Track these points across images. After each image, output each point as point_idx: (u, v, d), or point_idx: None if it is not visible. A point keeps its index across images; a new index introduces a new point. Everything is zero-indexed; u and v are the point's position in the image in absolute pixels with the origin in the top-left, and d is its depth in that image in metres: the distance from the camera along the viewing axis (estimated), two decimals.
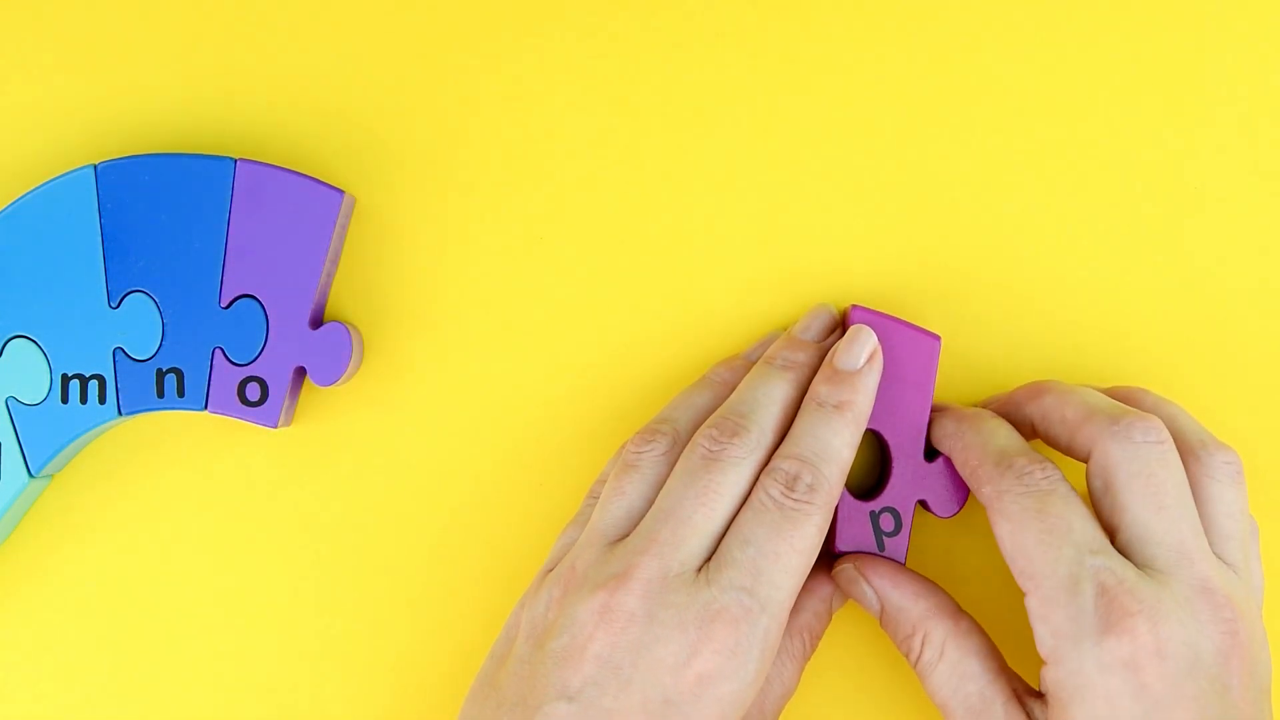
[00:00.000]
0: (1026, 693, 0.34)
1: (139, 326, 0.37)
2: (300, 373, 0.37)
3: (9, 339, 0.37)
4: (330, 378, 0.37)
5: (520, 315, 0.39)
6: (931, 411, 0.37)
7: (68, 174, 0.37)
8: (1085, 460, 0.34)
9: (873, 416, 0.36)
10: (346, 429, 0.39)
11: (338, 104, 0.39)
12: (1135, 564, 0.33)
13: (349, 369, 0.37)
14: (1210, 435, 0.35)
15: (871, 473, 0.38)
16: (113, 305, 0.37)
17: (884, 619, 0.36)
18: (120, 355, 0.37)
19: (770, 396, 0.35)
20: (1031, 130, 0.39)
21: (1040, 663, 0.33)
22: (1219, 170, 0.39)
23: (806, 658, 0.36)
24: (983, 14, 0.39)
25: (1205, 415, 0.38)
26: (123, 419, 0.38)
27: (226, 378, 0.37)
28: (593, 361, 0.39)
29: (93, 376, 0.37)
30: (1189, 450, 0.34)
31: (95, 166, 0.37)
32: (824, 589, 0.37)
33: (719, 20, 0.39)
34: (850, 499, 0.37)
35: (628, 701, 0.31)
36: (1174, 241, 0.39)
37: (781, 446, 0.34)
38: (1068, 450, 0.35)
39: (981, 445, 0.35)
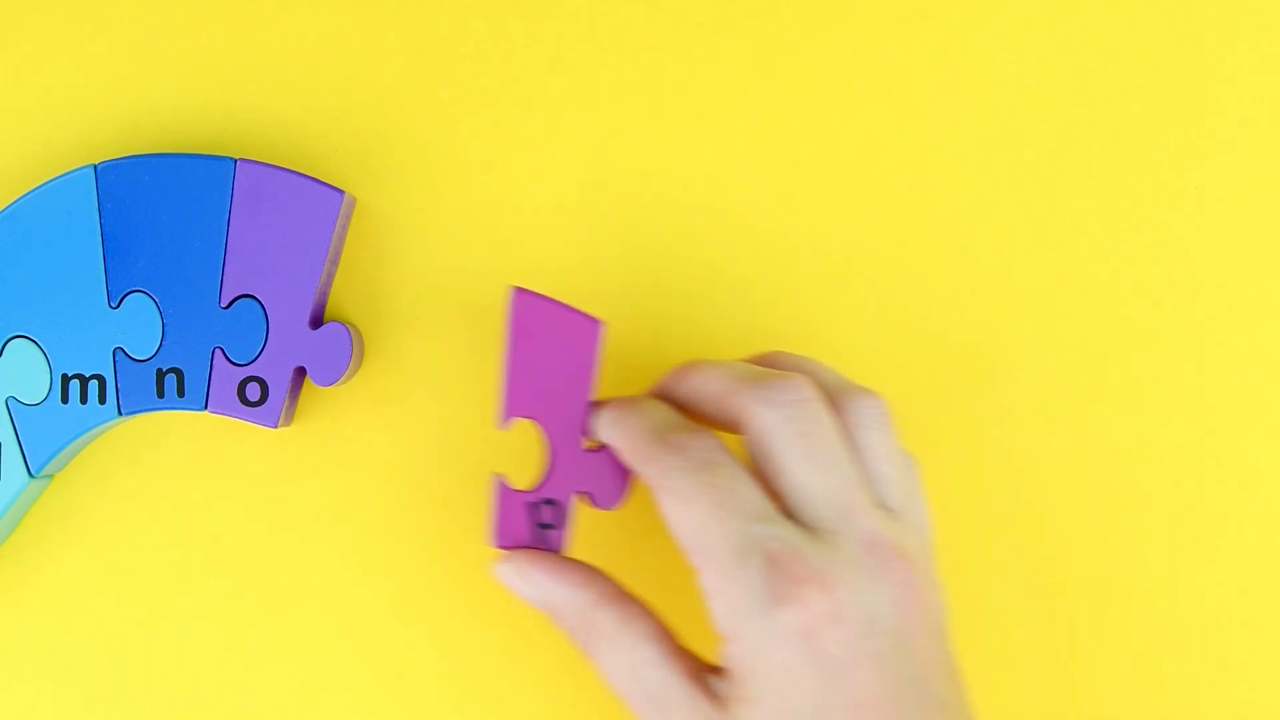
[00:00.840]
0: (706, 670, 0.32)
1: (139, 326, 0.37)
2: (300, 373, 0.37)
3: (9, 339, 0.37)
4: (330, 378, 0.37)
5: None
6: (595, 403, 0.35)
7: (68, 174, 0.37)
8: (741, 431, 0.33)
9: (530, 404, 0.35)
10: (346, 429, 0.39)
11: (338, 104, 0.39)
12: (803, 526, 0.32)
13: (349, 369, 0.37)
14: (850, 382, 0.34)
15: (532, 464, 0.38)
16: (113, 305, 0.37)
17: (555, 614, 0.35)
18: (120, 355, 0.37)
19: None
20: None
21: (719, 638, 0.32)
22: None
23: None
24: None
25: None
26: (123, 419, 0.38)
27: (226, 378, 0.37)
28: None
29: (93, 376, 0.37)
30: (832, 402, 0.33)
31: (95, 166, 0.37)
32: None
33: (719, 22, 0.39)
34: (508, 491, 0.35)
35: None
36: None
37: None
38: (723, 424, 0.34)
39: (641, 427, 0.34)
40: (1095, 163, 0.39)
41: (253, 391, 0.37)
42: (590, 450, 0.35)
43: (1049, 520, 0.39)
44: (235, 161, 0.37)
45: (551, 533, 0.35)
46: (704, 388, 0.34)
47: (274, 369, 0.37)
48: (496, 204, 0.39)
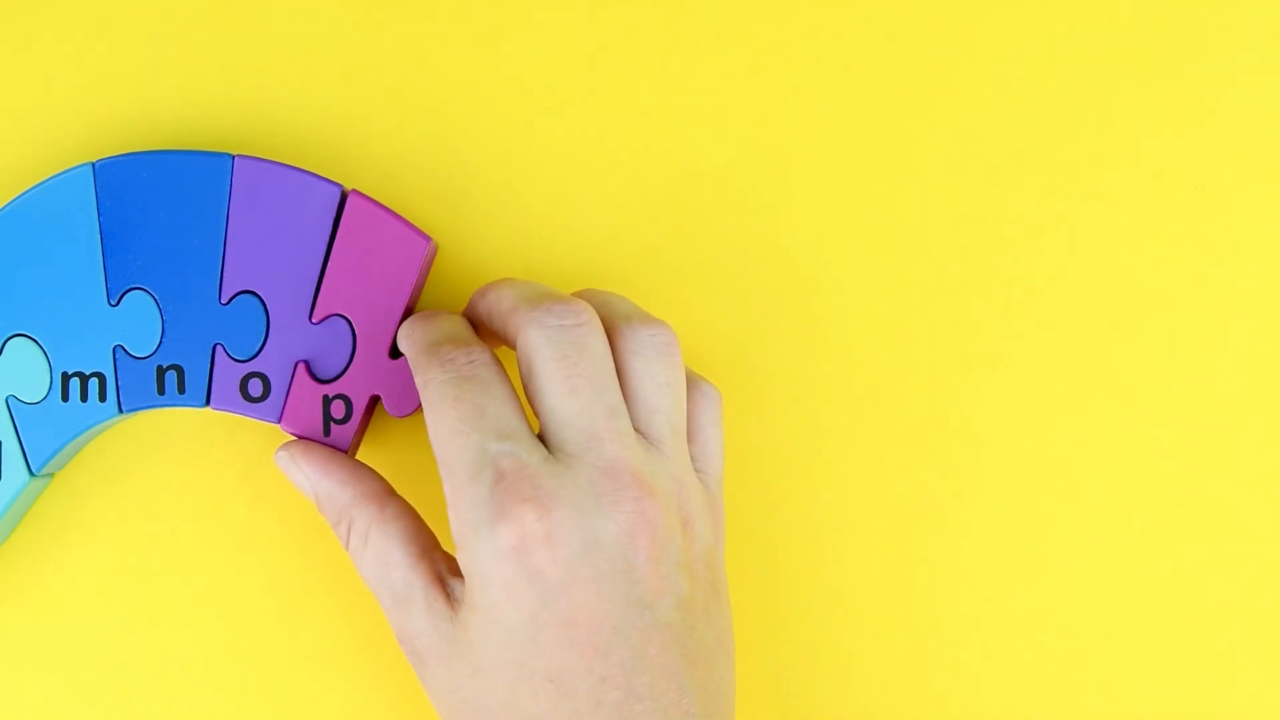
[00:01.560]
0: (453, 573, 0.34)
1: (139, 324, 0.37)
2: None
3: (9, 337, 0.37)
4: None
5: None
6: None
7: (66, 172, 0.37)
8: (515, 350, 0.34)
9: (346, 302, 0.37)
10: None
11: (335, 99, 0.39)
12: (551, 449, 0.32)
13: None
14: (639, 310, 0.35)
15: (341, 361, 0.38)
16: (112, 303, 0.37)
17: (319, 506, 0.36)
18: (120, 353, 0.37)
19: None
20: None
21: None
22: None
23: None
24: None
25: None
26: (123, 417, 0.37)
27: (228, 374, 0.37)
28: None
29: (93, 374, 0.37)
30: (613, 328, 0.34)
31: (93, 164, 0.37)
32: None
33: (729, 25, 0.39)
34: (307, 380, 0.37)
35: None
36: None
37: None
38: (507, 343, 0.34)
39: (422, 338, 0.34)
40: (1094, 161, 0.40)
41: (255, 387, 0.37)
42: (394, 358, 0.37)
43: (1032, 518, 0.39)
44: (233, 158, 0.37)
45: (339, 428, 0.37)
46: (495, 305, 0.35)
47: (275, 364, 0.37)
48: (495, 203, 0.39)
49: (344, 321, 0.37)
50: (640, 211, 0.39)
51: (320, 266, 0.37)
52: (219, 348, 0.37)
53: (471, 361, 0.33)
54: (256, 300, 0.37)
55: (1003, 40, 0.40)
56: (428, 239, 0.37)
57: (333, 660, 0.39)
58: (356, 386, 0.37)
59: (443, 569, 0.34)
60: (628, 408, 0.33)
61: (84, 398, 0.37)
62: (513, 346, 0.34)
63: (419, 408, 0.37)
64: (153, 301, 0.37)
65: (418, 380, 0.34)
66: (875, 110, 0.39)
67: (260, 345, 0.37)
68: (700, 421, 0.36)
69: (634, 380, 0.33)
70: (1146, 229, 0.39)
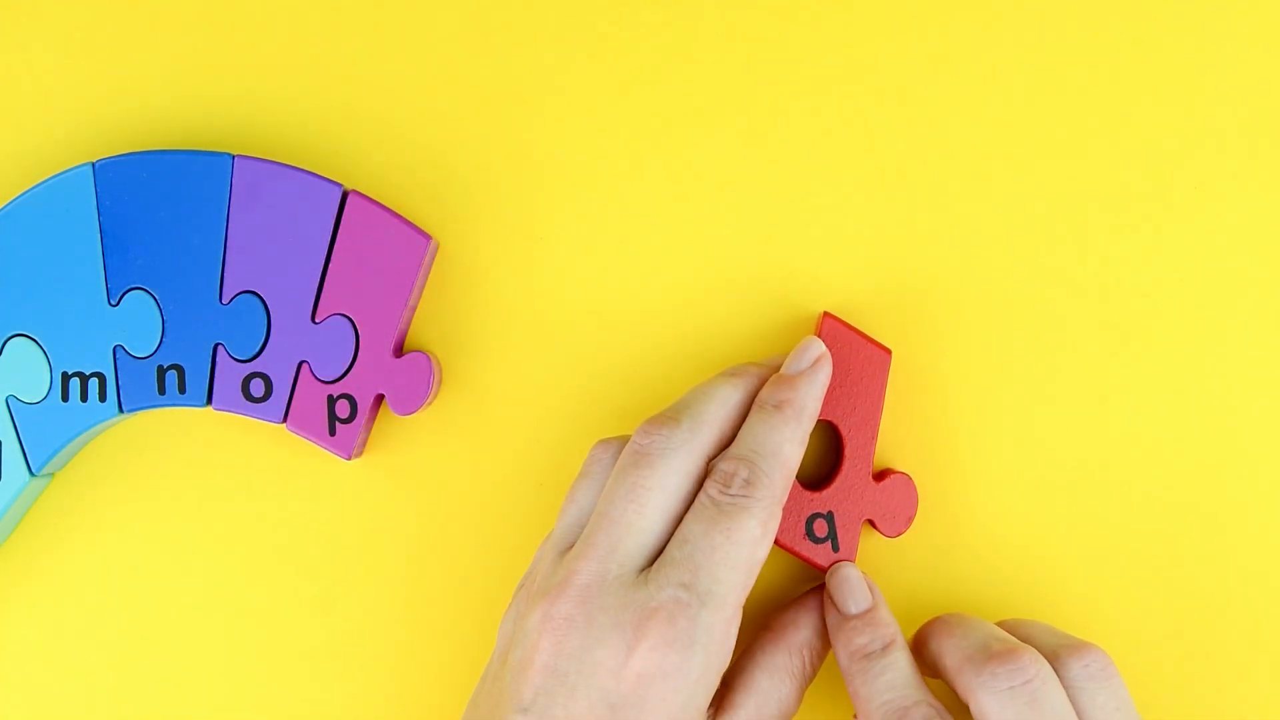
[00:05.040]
0: None
1: (139, 324, 0.37)
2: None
3: (9, 337, 0.37)
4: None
5: (542, 328, 0.39)
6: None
7: (66, 172, 0.37)
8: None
9: (348, 301, 0.37)
10: None
11: (334, 99, 0.39)
12: None
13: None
14: (1063, 637, 0.35)
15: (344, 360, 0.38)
16: (112, 303, 0.37)
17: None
18: (120, 353, 0.37)
19: (710, 394, 0.35)
20: (1010, 142, 0.40)
21: None
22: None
23: (808, 677, 0.36)
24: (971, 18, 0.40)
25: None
26: (123, 417, 0.38)
27: (230, 374, 0.37)
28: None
29: (93, 374, 0.37)
30: (1056, 661, 0.34)
31: (93, 164, 0.37)
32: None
33: (730, 25, 0.40)
34: (311, 380, 0.37)
35: (575, 708, 0.31)
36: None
37: (725, 450, 0.34)
38: (958, 694, 0.35)
39: (970, 647, 0.34)
40: (1095, 161, 0.40)
41: (257, 387, 0.37)
42: (394, 356, 0.37)
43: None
44: (233, 158, 0.37)
45: (344, 427, 0.37)
46: (940, 659, 0.35)
47: (277, 364, 0.37)
48: (497, 200, 0.39)
49: (346, 321, 0.37)
50: (640, 210, 0.39)
51: (321, 266, 0.37)
52: (220, 348, 0.37)
53: (1038, 676, 0.33)
54: (257, 300, 0.37)
55: (1002, 40, 0.40)
56: (428, 238, 0.37)
57: (332, 660, 0.39)
58: (361, 385, 0.37)
59: None
60: None
61: (84, 398, 0.37)
62: (963, 699, 0.34)
63: (423, 406, 0.37)
64: (153, 301, 0.37)
65: (977, 687, 0.33)
66: (874, 110, 0.40)
67: (261, 345, 0.37)
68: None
69: (1086, 715, 0.33)
70: (1146, 228, 0.40)
